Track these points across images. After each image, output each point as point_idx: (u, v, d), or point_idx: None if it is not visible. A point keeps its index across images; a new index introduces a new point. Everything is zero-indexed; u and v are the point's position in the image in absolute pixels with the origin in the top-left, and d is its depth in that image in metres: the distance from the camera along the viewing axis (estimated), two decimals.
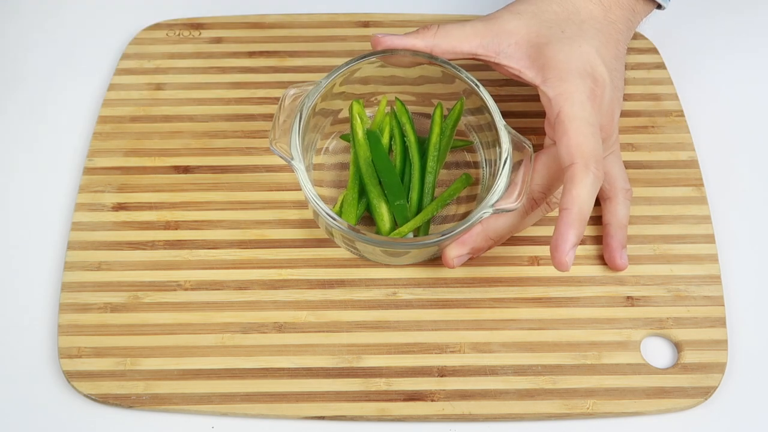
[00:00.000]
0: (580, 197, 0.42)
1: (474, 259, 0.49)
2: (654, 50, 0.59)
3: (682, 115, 0.56)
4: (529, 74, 0.47)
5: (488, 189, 0.46)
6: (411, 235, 0.49)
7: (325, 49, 0.59)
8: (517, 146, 0.46)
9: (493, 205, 0.44)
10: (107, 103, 0.57)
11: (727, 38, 0.62)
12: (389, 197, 0.49)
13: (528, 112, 0.56)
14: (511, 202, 0.45)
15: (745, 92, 0.59)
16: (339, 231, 0.45)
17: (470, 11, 0.62)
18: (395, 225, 0.49)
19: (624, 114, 0.56)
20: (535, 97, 0.48)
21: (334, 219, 0.44)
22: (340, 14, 0.61)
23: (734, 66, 0.60)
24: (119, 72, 0.58)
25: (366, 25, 0.61)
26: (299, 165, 0.45)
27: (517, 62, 0.48)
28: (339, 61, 0.58)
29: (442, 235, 0.45)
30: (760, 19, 0.63)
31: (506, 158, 0.46)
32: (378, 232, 0.49)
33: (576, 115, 0.44)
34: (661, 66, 0.59)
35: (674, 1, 0.54)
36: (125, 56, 0.59)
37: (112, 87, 0.57)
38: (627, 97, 0.57)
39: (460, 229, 0.44)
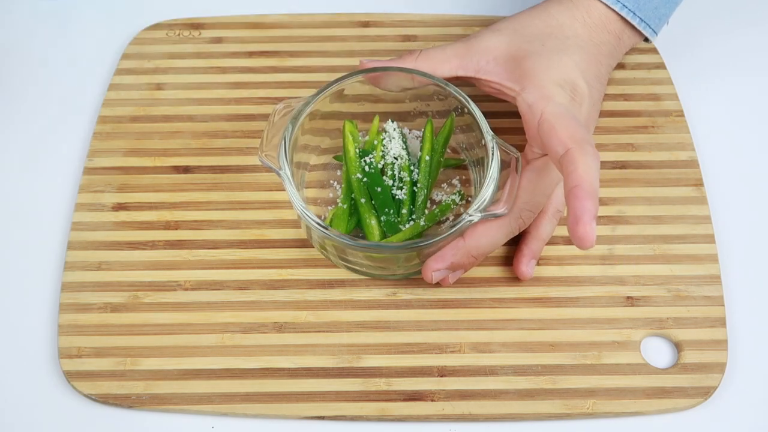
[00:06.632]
0: (587, 173, 0.40)
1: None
2: (654, 50, 0.59)
3: (682, 115, 0.56)
4: (507, 85, 0.47)
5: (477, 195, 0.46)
6: None
7: (325, 49, 0.59)
8: (504, 155, 0.46)
9: (480, 211, 0.44)
10: (107, 103, 0.57)
11: (727, 38, 0.62)
12: (380, 213, 0.49)
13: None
14: (499, 208, 0.44)
15: (745, 92, 0.59)
16: (329, 239, 0.45)
17: (470, 11, 0.62)
18: (385, 237, 0.49)
19: (624, 114, 0.56)
20: None
21: (324, 228, 0.44)
22: (340, 14, 0.61)
23: (734, 66, 0.60)
24: (119, 72, 0.58)
25: (366, 25, 0.61)
26: (287, 175, 0.45)
27: (495, 76, 0.48)
28: (339, 61, 0.59)
29: (428, 239, 0.44)
30: (760, 20, 0.63)
31: (493, 166, 0.45)
32: None
33: (560, 113, 0.43)
34: (661, 66, 0.59)
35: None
36: (125, 56, 0.59)
37: (112, 87, 0.57)
38: (627, 97, 0.57)
39: (446, 234, 0.44)
